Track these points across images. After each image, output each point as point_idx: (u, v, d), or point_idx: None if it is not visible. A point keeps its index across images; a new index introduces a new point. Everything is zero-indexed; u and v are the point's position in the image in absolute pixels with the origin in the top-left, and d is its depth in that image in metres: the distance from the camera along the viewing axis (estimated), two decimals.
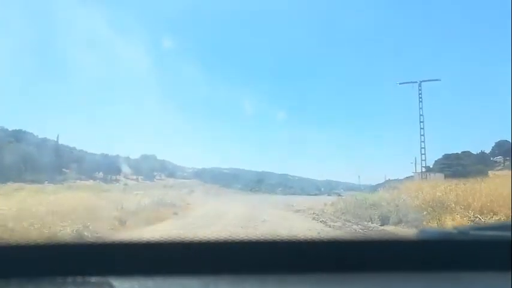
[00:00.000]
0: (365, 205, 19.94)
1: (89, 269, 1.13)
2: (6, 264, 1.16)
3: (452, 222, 12.12)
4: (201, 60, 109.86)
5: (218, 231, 13.64)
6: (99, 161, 54.27)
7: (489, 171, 41.68)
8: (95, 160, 54.09)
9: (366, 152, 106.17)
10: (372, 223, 16.43)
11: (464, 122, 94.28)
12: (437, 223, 12.63)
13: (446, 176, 36.62)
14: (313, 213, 20.75)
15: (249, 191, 67.69)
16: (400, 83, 38.35)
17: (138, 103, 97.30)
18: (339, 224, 16.64)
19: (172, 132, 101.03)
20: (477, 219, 11.93)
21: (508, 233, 1.33)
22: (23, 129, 55.71)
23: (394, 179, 54.22)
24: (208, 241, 1.21)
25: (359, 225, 16.11)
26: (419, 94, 34.84)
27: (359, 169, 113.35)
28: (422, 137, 34.24)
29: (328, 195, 61.88)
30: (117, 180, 51.34)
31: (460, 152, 62.64)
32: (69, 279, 1.11)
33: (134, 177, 57.20)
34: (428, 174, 37.15)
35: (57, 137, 51.99)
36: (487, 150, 62.65)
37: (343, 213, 20.43)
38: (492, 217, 11.69)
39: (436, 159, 55.25)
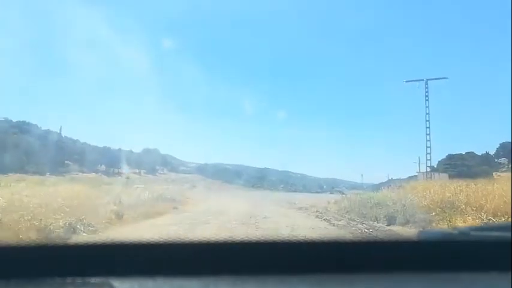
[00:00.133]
0: (370, 204, 19.22)
1: (89, 270, 1.12)
2: (6, 264, 1.14)
3: (463, 224, 11.41)
4: (201, 60, 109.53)
5: (217, 228, 13.05)
6: (102, 154, 53.86)
7: (493, 173, 40.94)
8: (97, 153, 53.70)
9: (369, 150, 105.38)
10: (377, 223, 15.72)
11: (468, 122, 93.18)
12: (447, 225, 11.93)
13: (450, 177, 35.92)
14: (316, 211, 20.06)
15: (251, 187, 67.14)
16: (406, 81, 37.44)
17: (140, 101, 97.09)
18: (343, 222, 15.94)
19: (174, 128, 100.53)
20: (490, 221, 11.22)
21: (508, 234, 1.33)
22: (27, 121, 55.54)
23: (397, 179, 53.74)
24: (209, 242, 1.21)
25: (364, 225, 15.41)
26: (425, 92, 34.04)
27: (362, 168, 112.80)
28: (428, 136, 33.47)
29: (331, 193, 61.27)
30: (119, 174, 50.74)
31: (464, 153, 61.93)
32: (69, 279, 1.10)
33: (136, 170, 56.68)
34: (432, 174, 36.34)
35: (60, 129, 51.49)
36: (492, 152, 61.82)
37: (347, 211, 19.72)
38: (507, 219, 10.97)
39: (439, 159, 54.34)
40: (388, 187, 25.59)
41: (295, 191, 64.09)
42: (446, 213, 13.49)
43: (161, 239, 1.20)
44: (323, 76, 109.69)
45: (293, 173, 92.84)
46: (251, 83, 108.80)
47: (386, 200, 18.89)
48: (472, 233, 1.44)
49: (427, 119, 33.55)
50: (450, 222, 12.08)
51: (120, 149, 55.89)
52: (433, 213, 14.08)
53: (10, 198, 12.02)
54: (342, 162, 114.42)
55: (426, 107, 33.67)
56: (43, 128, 53.73)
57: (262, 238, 1.24)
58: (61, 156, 49.55)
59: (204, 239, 1.21)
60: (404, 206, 16.25)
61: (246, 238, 1.24)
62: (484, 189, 14.26)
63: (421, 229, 12.99)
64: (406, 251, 1.30)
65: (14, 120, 55.10)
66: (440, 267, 1.23)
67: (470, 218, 11.86)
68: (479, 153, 59.88)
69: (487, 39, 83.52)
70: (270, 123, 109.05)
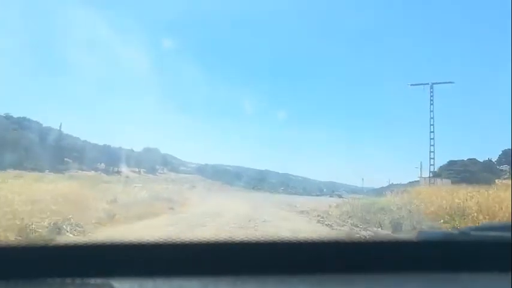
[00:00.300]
0: (373, 209, 18.35)
1: (88, 271, 1.11)
2: (5, 265, 1.13)
3: None
4: (201, 59, 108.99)
5: (214, 231, 12.23)
6: (102, 152, 53.10)
7: (496, 180, 40.05)
8: (97, 151, 52.96)
9: (369, 154, 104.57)
10: (382, 229, 14.86)
11: (470, 128, 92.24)
12: None
13: (453, 182, 35.07)
14: (318, 216, 19.17)
15: (251, 189, 66.32)
16: (411, 84, 36.60)
17: (141, 100, 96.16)
18: (345, 228, 15.09)
19: (175, 128, 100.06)
20: None
21: (508, 234, 1.30)
22: (28, 117, 54.93)
23: (397, 183, 52.93)
24: (208, 242, 1.20)
25: (368, 231, 14.55)
26: (430, 97, 33.21)
27: (362, 171, 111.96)
28: (432, 141, 32.65)
29: (330, 196, 60.50)
30: (118, 173, 49.98)
31: (466, 159, 61.14)
32: (69, 280, 1.09)
33: (136, 170, 55.90)
34: (435, 179, 35.45)
35: (60, 126, 50.77)
36: (494, 158, 60.90)
37: (349, 216, 18.80)
38: None
39: (440, 165, 53.46)
40: (391, 192, 24.72)
41: (295, 193, 63.20)
42: (455, 220, 12.66)
43: (161, 240, 1.18)
44: (324, 77, 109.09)
45: (293, 175, 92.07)
46: (251, 83, 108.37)
47: (390, 205, 18.07)
48: (472, 233, 1.43)
49: (432, 123, 32.74)
50: None
51: (120, 148, 55.29)
52: (442, 221, 13.26)
53: None
54: (342, 166, 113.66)
55: (431, 111, 32.89)
56: (44, 125, 53.22)
57: (262, 238, 1.24)
58: (61, 154, 48.83)
59: (204, 239, 1.20)
60: (410, 212, 15.43)
61: (246, 238, 1.22)
62: (496, 196, 13.41)
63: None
64: (406, 251, 1.29)
65: (15, 116, 54.62)
66: (440, 268, 1.22)
67: None
68: (481, 160, 59.04)
69: (492, 45, 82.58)
70: (270, 123, 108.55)
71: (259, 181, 75.78)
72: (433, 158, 32.96)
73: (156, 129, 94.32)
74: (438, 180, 36.22)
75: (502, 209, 11.65)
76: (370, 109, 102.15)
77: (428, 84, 33.63)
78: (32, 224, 9.15)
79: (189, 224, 13.25)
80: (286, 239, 1.24)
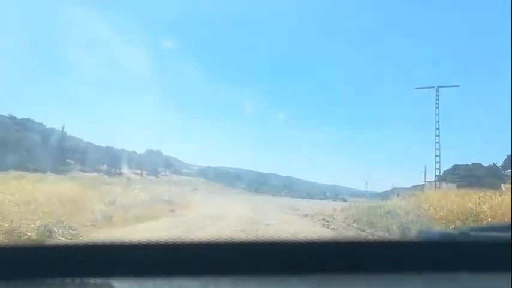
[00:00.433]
0: (379, 213, 17.63)
1: (88, 271, 1.11)
2: (5, 265, 1.12)
3: None
4: (202, 60, 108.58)
5: (215, 235, 11.63)
6: (104, 153, 52.60)
7: (502, 185, 39.29)
8: (100, 153, 52.46)
9: (372, 158, 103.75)
10: (389, 234, 14.19)
11: (474, 132, 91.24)
12: None
13: (459, 187, 34.35)
14: (323, 219, 18.49)
15: (253, 191, 65.74)
16: (416, 88, 35.90)
17: (143, 101, 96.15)
18: (351, 233, 14.44)
19: (177, 130, 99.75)
20: None
21: (508, 234, 1.30)
22: (31, 119, 54.67)
23: (401, 187, 52.21)
24: (209, 242, 1.19)
25: (375, 236, 13.90)
26: (436, 100, 32.50)
27: (365, 175, 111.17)
28: (437, 145, 31.90)
29: (333, 200, 59.84)
30: (120, 174, 49.46)
31: (470, 164, 60.40)
32: (69, 280, 1.09)
33: (138, 171, 55.35)
34: (440, 184, 34.70)
35: (63, 127, 50.37)
36: (498, 163, 60.04)
37: (355, 220, 18.11)
38: None
39: (444, 169, 52.68)
40: (397, 195, 24.01)
41: (298, 197, 62.42)
42: (467, 226, 11.98)
43: (161, 240, 1.16)
44: (326, 78, 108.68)
45: (296, 178, 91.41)
46: (252, 84, 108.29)
47: (397, 209, 17.36)
48: (472, 233, 1.41)
49: (437, 127, 32.03)
50: None
51: (123, 150, 54.84)
52: (452, 226, 12.58)
53: None
54: (345, 169, 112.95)
55: (436, 114, 32.15)
56: (47, 126, 52.91)
57: (262, 239, 1.23)
58: (63, 155, 48.45)
59: (204, 239, 1.18)
60: (419, 216, 14.75)
61: (246, 239, 1.22)
62: (509, 200, 12.71)
63: None
64: (406, 251, 1.28)
65: (19, 117, 54.38)
66: (441, 268, 1.21)
67: None
68: (486, 164, 58.24)
69: (498, 48, 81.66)
70: (272, 125, 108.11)
71: (261, 184, 75.18)
72: (439, 162, 32.20)
73: (158, 130, 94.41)
74: (444, 184, 35.48)
75: None
76: (373, 112, 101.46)
77: (434, 87, 32.84)
78: (20, 227, 8.54)
79: (189, 227, 12.66)
80: (286, 239, 1.23)
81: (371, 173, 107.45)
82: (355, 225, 17.00)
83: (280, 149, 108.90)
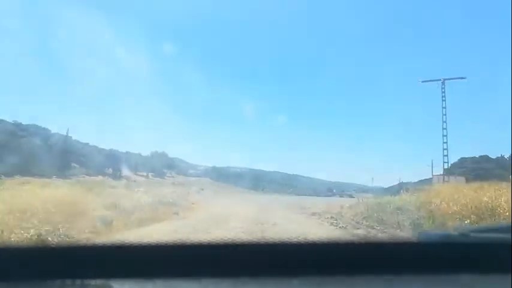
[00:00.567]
0: (389, 209, 16.99)
1: (88, 272, 1.11)
2: (5, 266, 1.12)
3: None
4: (205, 63, 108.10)
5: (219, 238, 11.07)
6: (110, 157, 52.21)
7: (511, 177, 38.39)
8: (105, 156, 52.09)
9: (378, 153, 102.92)
10: (400, 231, 13.55)
11: (480, 125, 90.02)
12: None
13: (467, 180, 33.57)
14: (331, 218, 17.87)
15: (260, 190, 65.21)
16: (422, 81, 35.08)
17: (147, 105, 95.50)
18: (362, 231, 13.82)
19: (182, 131, 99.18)
20: None
21: (508, 235, 1.30)
22: (37, 124, 54.50)
23: (407, 182, 51.40)
24: (209, 244, 1.19)
25: (386, 234, 13.29)
26: (442, 93, 31.71)
27: (370, 171, 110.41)
28: (445, 138, 31.15)
29: (340, 196, 59.19)
30: (126, 177, 49.03)
31: (477, 156, 59.50)
32: (69, 282, 1.09)
33: (144, 173, 54.89)
34: (449, 177, 33.92)
35: (67, 131, 50.10)
36: (506, 155, 59.02)
37: (364, 217, 17.47)
38: None
39: (451, 162, 51.81)
40: (405, 190, 23.31)
41: (304, 194, 61.80)
42: (484, 221, 11.35)
43: (161, 241, 1.17)
44: (330, 75, 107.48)
45: (302, 176, 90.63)
46: (255, 84, 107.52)
47: (407, 204, 16.71)
48: (472, 234, 1.38)
49: (444, 120, 31.26)
50: None
51: (128, 152, 54.47)
52: (467, 221, 11.94)
53: None
54: (350, 165, 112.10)
55: (443, 107, 31.38)
56: (52, 131, 52.70)
57: (262, 240, 1.24)
58: (68, 159, 48.17)
59: (204, 241, 1.18)
60: (431, 211, 14.10)
61: (246, 240, 1.23)
62: None
63: None
64: (406, 252, 1.28)
65: (24, 123, 54.27)
66: (440, 269, 1.21)
67: None
68: (493, 157, 57.28)
69: (506, 38, 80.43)
70: (276, 124, 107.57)
71: (268, 182, 74.62)
72: (447, 156, 31.43)
73: (162, 132, 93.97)
74: (452, 178, 34.70)
75: None
76: (378, 107, 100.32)
77: (440, 80, 32.02)
78: (12, 236, 8.02)
79: (192, 230, 12.12)
80: (286, 240, 1.22)
81: (377, 168, 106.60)
82: (364, 222, 16.37)
83: (285, 147, 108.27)
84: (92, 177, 46.08)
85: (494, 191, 13.21)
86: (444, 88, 31.63)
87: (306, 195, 60.17)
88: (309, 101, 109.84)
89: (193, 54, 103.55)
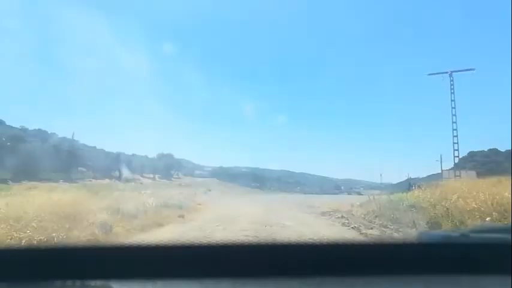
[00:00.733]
0: (402, 207, 16.16)
1: (88, 273, 1.10)
2: (6, 267, 1.11)
3: None
4: (204, 63, 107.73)
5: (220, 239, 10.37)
6: (116, 159, 51.75)
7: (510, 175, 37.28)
8: (111, 159, 51.67)
9: (385, 150, 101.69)
10: (416, 230, 12.72)
11: (489, 117, 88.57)
12: None
13: (478, 174, 32.55)
14: (342, 217, 17.08)
15: (267, 190, 64.46)
16: (429, 74, 34.02)
17: (151, 107, 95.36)
18: (375, 231, 13.01)
19: (188, 133, 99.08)
20: None
21: (508, 236, 1.27)
22: (43, 129, 54.36)
23: (416, 178, 50.42)
24: (209, 244, 1.17)
25: (401, 234, 12.50)
26: (451, 86, 30.66)
27: (378, 167, 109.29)
28: (455, 132, 30.13)
29: (348, 193, 58.35)
30: (133, 179, 48.50)
31: (486, 150, 58.34)
32: (69, 282, 1.07)
33: (151, 175, 54.32)
34: (460, 172, 32.89)
35: (73, 135, 49.80)
36: None
37: (376, 216, 16.66)
38: None
39: (460, 156, 50.65)
40: (417, 186, 22.42)
41: (312, 192, 61.00)
42: (507, 219, 10.50)
43: (161, 242, 1.15)
44: (336, 74, 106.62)
45: (310, 174, 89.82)
46: (257, 86, 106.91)
47: (421, 201, 15.84)
48: (472, 235, 1.39)
49: (454, 113, 30.22)
50: None
51: (134, 155, 53.97)
52: (489, 218, 11.10)
53: None
54: (358, 162, 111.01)
55: (452, 100, 30.33)
56: (59, 136, 52.45)
57: (262, 241, 1.27)
58: (75, 163, 47.84)
59: (205, 241, 1.16)
60: (448, 209, 13.22)
61: (246, 241, 1.21)
62: None
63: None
64: (406, 253, 1.26)
65: (31, 128, 54.19)
66: (441, 270, 1.19)
67: None
68: (503, 150, 56.04)
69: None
70: (277, 125, 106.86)
71: (275, 182, 73.89)
72: (457, 150, 30.43)
73: (163, 133, 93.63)
74: (463, 172, 33.66)
75: None
76: (381, 106, 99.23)
77: (447, 73, 30.96)
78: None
79: (197, 235, 11.40)
80: (285, 241, 1.20)
81: (384, 164, 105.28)
82: (377, 221, 15.56)
83: (290, 146, 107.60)
84: (98, 181, 45.61)
85: None
86: (453, 81, 30.57)
87: (313, 193, 59.40)
88: (309, 100, 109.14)
89: (193, 54, 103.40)
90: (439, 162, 42.29)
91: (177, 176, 61.81)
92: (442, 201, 14.47)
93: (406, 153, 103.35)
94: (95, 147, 55.07)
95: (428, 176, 46.52)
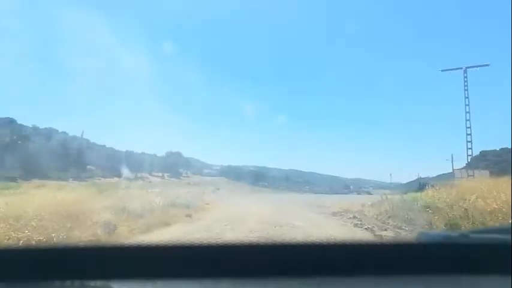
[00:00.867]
0: (416, 207, 15.47)
1: (88, 273, 1.09)
2: (5, 267, 1.10)
3: None
4: (204, 63, 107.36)
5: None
6: (125, 158, 51.58)
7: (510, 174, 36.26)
8: (121, 158, 51.48)
9: (394, 149, 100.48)
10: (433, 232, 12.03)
11: (500, 117, 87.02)
12: None
13: (491, 174, 31.65)
14: (353, 217, 16.43)
15: (276, 189, 63.86)
16: (443, 70, 33.12)
17: (147, 105, 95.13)
18: (389, 233, 12.36)
19: (198, 132, 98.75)
20: None
21: (508, 237, 1.26)
22: (54, 128, 54.40)
23: (426, 177, 49.46)
24: (209, 244, 1.16)
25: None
26: (464, 82, 29.76)
27: (389, 167, 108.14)
28: (468, 130, 29.26)
29: (358, 193, 57.51)
30: (142, 178, 48.25)
31: (498, 149, 57.20)
32: (68, 283, 1.07)
33: (160, 174, 54.06)
34: (473, 171, 31.99)
35: (82, 134, 49.72)
36: None
37: (389, 217, 15.97)
38: None
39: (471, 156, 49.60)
40: (430, 186, 21.69)
41: (321, 192, 60.26)
42: None
43: (161, 242, 1.15)
44: (345, 74, 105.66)
45: (319, 174, 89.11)
46: (257, 85, 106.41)
47: (436, 202, 15.13)
48: (472, 235, 1.37)
49: (467, 110, 29.35)
50: None
51: (143, 153, 53.75)
52: (511, 220, 10.42)
53: None
54: (367, 162, 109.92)
55: (466, 97, 29.43)
56: (70, 134, 52.48)
57: (262, 241, 1.22)
58: (84, 162, 47.75)
59: (205, 241, 1.16)
60: (466, 210, 12.52)
61: (246, 241, 1.20)
62: None
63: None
64: (406, 253, 1.25)
65: (42, 127, 54.26)
66: (441, 270, 1.18)
67: None
68: None
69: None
70: (289, 123, 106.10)
71: (284, 181, 73.31)
72: (471, 148, 29.55)
73: (170, 134, 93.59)
74: (476, 171, 32.76)
75: None
76: (391, 104, 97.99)
77: (462, 68, 30.04)
78: None
79: (204, 235, 10.86)
80: (286, 241, 1.20)
81: (393, 163, 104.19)
82: (391, 222, 14.88)
83: (304, 146, 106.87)
84: (107, 179, 45.41)
85: None
86: (467, 77, 29.65)
87: (322, 193, 58.66)
88: (309, 100, 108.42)
89: (194, 54, 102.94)
90: (450, 162, 41.45)
91: (186, 175, 61.48)
92: (459, 201, 13.76)
93: (416, 152, 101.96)
94: (104, 145, 54.99)
95: (439, 176, 45.57)
